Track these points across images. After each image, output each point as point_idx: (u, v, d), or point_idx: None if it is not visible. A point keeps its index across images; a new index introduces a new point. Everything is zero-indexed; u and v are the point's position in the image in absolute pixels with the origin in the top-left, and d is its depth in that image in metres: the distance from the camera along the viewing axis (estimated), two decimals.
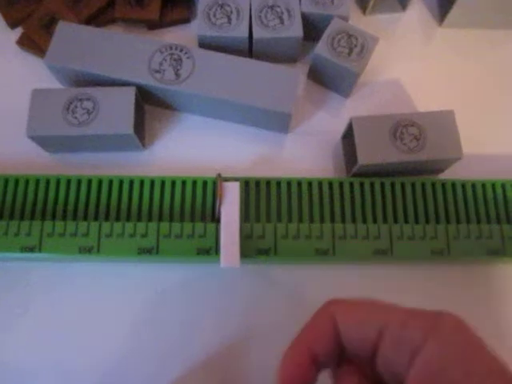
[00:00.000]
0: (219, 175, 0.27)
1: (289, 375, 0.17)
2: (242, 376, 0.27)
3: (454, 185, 0.29)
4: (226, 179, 0.28)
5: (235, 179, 0.28)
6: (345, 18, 0.31)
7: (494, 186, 0.29)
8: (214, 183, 0.28)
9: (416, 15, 0.36)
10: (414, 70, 0.34)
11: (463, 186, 0.29)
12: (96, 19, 0.34)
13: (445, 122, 0.29)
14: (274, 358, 0.17)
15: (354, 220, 0.28)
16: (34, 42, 0.33)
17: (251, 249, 0.26)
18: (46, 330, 0.27)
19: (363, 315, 0.17)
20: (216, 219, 0.27)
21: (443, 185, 0.29)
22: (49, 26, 0.33)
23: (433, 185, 0.29)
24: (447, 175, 0.31)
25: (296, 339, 0.17)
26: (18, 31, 0.34)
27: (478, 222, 0.28)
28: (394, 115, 0.29)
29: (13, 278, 0.28)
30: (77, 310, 0.28)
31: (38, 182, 0.28)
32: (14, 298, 0.28)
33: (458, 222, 0.28)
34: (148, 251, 0.26)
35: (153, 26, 0.35)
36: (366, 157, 0.28)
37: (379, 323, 0.16)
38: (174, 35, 0.35)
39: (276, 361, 0.17)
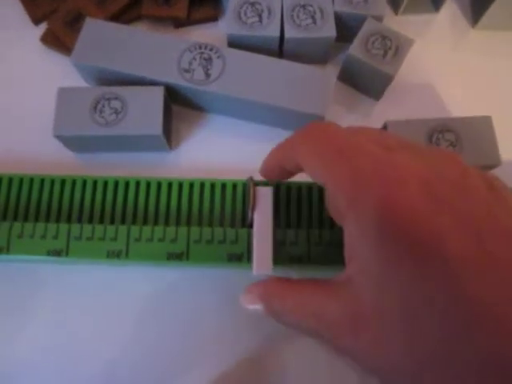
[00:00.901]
0: (251, 178, 0.26)
1: (266, 171, 0.24)
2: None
3: None
4: (257, 183, 0.27)
5: (265, 183, 0.28)
6: (379, 19, 0.31)
7: None
8: (244, 186, 0.28)
9: (449, 16, 0.35)
10: (446, 72, 0.33)
11: None
12: (122, 16, 0.33)
13: (482, 127, 0.28)
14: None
15: None
16: (59, 39, 0.32)
17: (283, 256, 0.25)
18: (50, 329, 0.27)
19: (315, 164, 0.18)
20: (248, 224, 0.26)
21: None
22: (74, 22, 0.32)
23: None
24: None
25: (270, 154, 0.23)
26: (42, 27, 0.33)
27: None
28: (430, 120, 0.28)
29: (18, 277, 0.28)
30: (84, 309, 0.27)
31: (63, 182, 0.28)
32: (20, 297, 0.27)
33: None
34: (178, 257, 0.25)
35: (179, 24, 0.34)
36: None
37: (322, 179, 0.18)
38: (200, 34, 0.34)
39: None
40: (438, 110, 0.32)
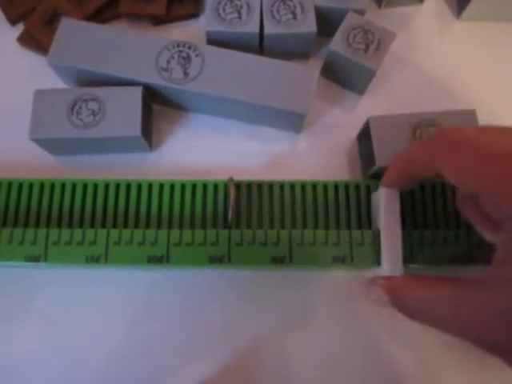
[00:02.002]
0: (231, 179, 0.26)
1: (390, 181, 0.24)
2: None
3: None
4: (238, 183, 0.27)
5: (247, 182, 0.27)
6: (361, 12, 0.30)
7: None
8: (225, 187, 0.27)
9: (433, 8, 0.35)
10: (431, 65, 0.33)
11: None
12: (100, 15, 0.33)
13: (466, 121, 0.27)
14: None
15: (370, 226, 0.27)
16: (36, 40, 0.32)
17: (265, 256, 0.25)
18: (41, 334, 0.27)
19: (463, 172, 0.18)
20: (228, 225, 0.25)
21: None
22: (51, 22, 0.32)
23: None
24: None
25: (396, 160, 0.23)
26: (19, 28, 0.33)
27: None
28: (414, 114, 0.27)
29: (15, 279, 0.28)
30: (79, 312, 0.27)
31: (42, 186, 0.27)
32: (17, 299, 0.27)
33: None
34: (158, 260, 0.25)
35: (159, 21, 0.33)
36: (384, 158, 0.26)
37: (474, 187, 0.18)
38: (180, 31, 0.34)
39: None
40: (423, 103, 0.32)
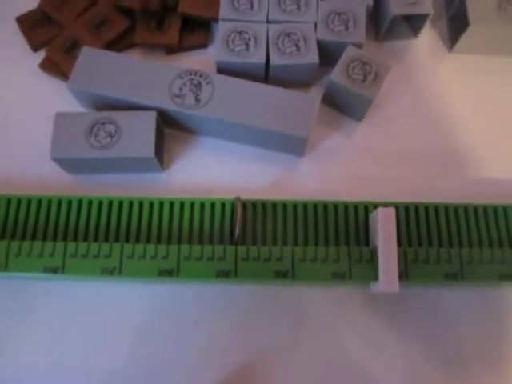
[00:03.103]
0: (238, 198, 0.28)
1: None
2: None
3: (465, 209, 0.30)
4: (244, 202, 0.29)
5: (252, 201, 0.29)
6: (359, 46, 0.32)
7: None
8: (232, 205, 0.29)
9: (427, 41, 0.37)
10: (425, 95, 0.35)
11: (475, 210, 0.30)
12: (117, 44, 0.35)
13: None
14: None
15: (367, 243, 0.29)
16: (57, 66, 0.34)
17: (269, 271, 0.26)
18: (46, 345, 0.28)
19: None
20: (235, 242, 0.27)
21: (455, 209, 0.30)
22: (71, 49, 0.34)
23: (446, 208, 0.30)
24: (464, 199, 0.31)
25: None
26: (41, 54, 0.35)
27: (491, 246, 0.29)
28: None
29: (14, 293, 0.29)
30: (81, 323, 0.28)
31: (60, 202, 0.29)
32: (18, 308, 0.28)
33: (471, 245, 0.29)
34: (169, 273, 0.26)
35: (171, 50, 0.36)
36: None
37: None
38: (191, 60, 0.36)
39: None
40: (421, 130, 0.34)
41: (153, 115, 0.30)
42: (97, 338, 0.28)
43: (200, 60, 0.36)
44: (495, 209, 0.30)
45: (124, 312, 0.29)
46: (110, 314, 0.28)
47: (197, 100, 0.30)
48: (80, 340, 0.28)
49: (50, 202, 0.29)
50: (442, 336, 0.28)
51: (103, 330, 0.28)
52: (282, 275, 0.26)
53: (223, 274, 0.26)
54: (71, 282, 0.29)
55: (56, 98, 0.34)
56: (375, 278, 0.26)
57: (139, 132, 0.29)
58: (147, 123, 0.29)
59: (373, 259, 0.27)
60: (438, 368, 0.28)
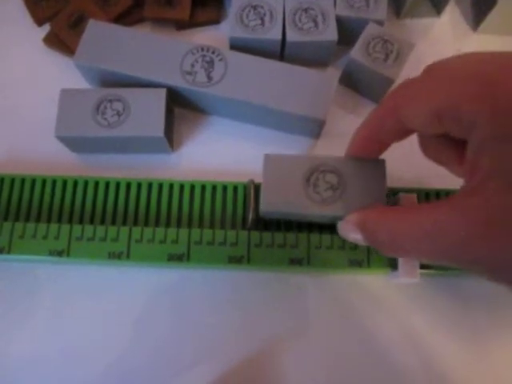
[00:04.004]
0: (252, 181, 0.27)
1: (355, 148, 0.23)
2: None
3: None
4: (257, 185, 0.28)
5: None
6: (380, 23, 0.31)
7: None
8: (245, 189, 0.28)
9: (450, 20, 0.35)
10: None
11: None
12: (124, 18, 0.33)
13: (372, 171, 0.24)
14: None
15: None
16: (62, 41, 0.32)
17: (283, 258, 0.25)
18: (50, 329, 0.27)
19: (422, 106, 0.18)
20: (248, 227, 0.26)
21: None
22: (77, 24, 0.32)
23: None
24: None
25: (362, 124, 0.22)
26: (45, 28, 0.34)
27: None
28: (310, 158, 0.25)
29: (17, 277, 0.28)
30: (84, 309, 0.27)
31: (65, 183, 0.28)
32: (18, 297, 0.27)
33: None
34: (179, 258, 0.25)
35: (181, 26, 0.34)
36: None
37: (437, 112, 0.17)
38: (202, 36, 0.34)
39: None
40: None
41: (163, 93, 0.28)
42: (100, 323, 0.27)
43: (212, 36, 0.34)
44: None
45: (128, 297, 0.27)
46: (114, 299, 0.27)
47: (209, 77, 0.29)
48: (83, 325, 0.27)
49: (54, 183, 0.28)
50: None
51: (106, 315, 0.27)
52: (297, 262, 0.25)
53: (235, 260, 0.25)
54: (74, 266, 0.28)
55: (61, 74, 0.32)
56: (394, 266, 0.25)
57: (148, 110, 0.28)
58: (157, 101, 0.28)
59: None
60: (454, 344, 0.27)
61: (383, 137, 0.21)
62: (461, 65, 0.18)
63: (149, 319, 0.27)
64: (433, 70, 0.19)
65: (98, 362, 0.26)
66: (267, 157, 0.25)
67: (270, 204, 0.24)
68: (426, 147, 0.22)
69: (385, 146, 0.23)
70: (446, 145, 0.20)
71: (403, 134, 0.21)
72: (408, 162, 0.31)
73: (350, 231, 0.21)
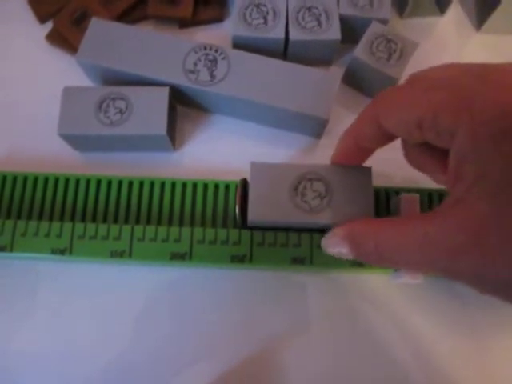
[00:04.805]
0: (244, 180, 0.26)
1: (339, 155, 0.23)
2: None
3: None
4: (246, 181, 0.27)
5: None
6: (384, 22, 0.31)
7: None
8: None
9: (454, 20, 0.35)
10: None
11: None
12: (127, 16, 0.33)
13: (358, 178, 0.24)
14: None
15: None
16: (64, 38, 0.32)
17: (286, 257, 0.25)
18: (51, 326, 0.27)
19: (403, 115, 0.18)
20: (238, 225, 0.26)
21: None
22: (80, 21, 0.32)
23: None
24: None
25: (345, 132, 0.22)
26: (48, 26, 0.33)
27: None
28: (298, 166, 0.25)
29: (19, 275, 0.28)
30: (85, 307, 0.27)
31: (67, 181, 0.28)
32: (22, 293, 0.27)
33: None
34: (181, 257, 0.25)
35: (184, 24, 0.34)
36: None
37: (417, 121, 0.17)
38: (205, 34, 0.34)
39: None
40: None
41: (166, 91, 0.28)
42: (100, 321, 0.27)
43: (215, 35, 0.34)
44: None
45: (129, 295, 0.27)
46: (114, 297, 0.27)
47: (212, 76, 0.29)
48: (83, 323, 0.27)
49: (57, 181, 0.28)
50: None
51: (107, 313, 0.27)
52: (299, 262, 0.25)
53: (238, 259, 0.25)
54: (75, 264, 0.28)
55: (64, 72, 0.32)
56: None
57: (151, 109, 0.28)
58: (160, 99, 0.28)
59: None
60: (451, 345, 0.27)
61: (366, 144, 0.21)
62: (442, 75, 0.18)
63: (150, 317, 0.27)
64: (415, 80, 0.19)
65: (98, 360, 0.26)
66: (254, 165, 0.24)
67: (257, 214, 0.24)
68: (410, 155, 0.22)
69: (368, 152, 0.23)
70: (429, 153, 0.20)
71: (386, 140, 0.20)
72: None
73: (336, 244, 0.21)
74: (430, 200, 0.28)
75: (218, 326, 0.27)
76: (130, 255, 0.25)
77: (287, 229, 0.26)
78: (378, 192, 0.28)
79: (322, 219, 0.23)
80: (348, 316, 0.27)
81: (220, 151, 0.31)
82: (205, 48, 0.29)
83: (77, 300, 0.27)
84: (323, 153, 0.31)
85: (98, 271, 0.28)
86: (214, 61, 0.29)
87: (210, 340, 0.27)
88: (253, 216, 0.24)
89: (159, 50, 0.29)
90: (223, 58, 0.29)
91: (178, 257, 0.25)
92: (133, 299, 0.27)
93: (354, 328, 0.27)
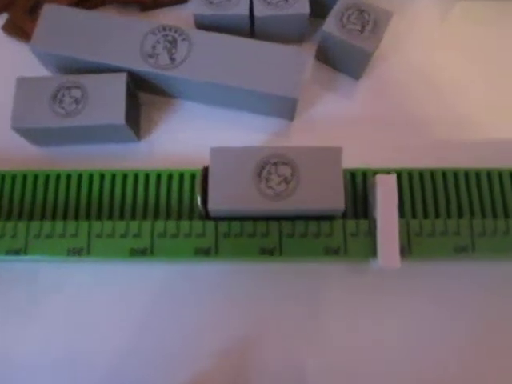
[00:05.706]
0: (204, 167, 0.24)
1: None
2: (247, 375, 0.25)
3: (477, 174, 0.26)
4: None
5: None
6: None
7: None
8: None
9: None
10: (430, 46, 0.31)
11: (489, 175, 0.26)
12: (86, 2, 0.32)
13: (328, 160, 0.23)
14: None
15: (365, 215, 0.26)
16: (20, 28, 0.31)
17: (253, 248, 0.24)
18: (55, 327, 0.26)
19: None
20: (203, 215, 0.24)
21: (466, 174, 0.26)
22: (35, 10, 0.31)
23: (455, 174, 0.26)
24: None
25: None
26: (4, 17, 0.32)
27: (506, 216, 0.25)
28: (260, 148, 0.23)
29: (20, 275, 0.27)
30: (84, 307, 0.26)
31: (25, 177, 0.26)
32: (22, 296, 0.26)
33: (484, 216, 0.26)
34: (142, 252, 0.24)
35: (146, 7, 0.32)
36: None
37: None
38: (169, 16, 0.32)
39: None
40: (421, 87, 0.30)
41: (123, 77, 0.26)
42: (100, 320, 0.26)
43: (178, 17, 0.32)
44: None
45: (129, 295, 0.26)
46: (114, 298, 0.26)
47: (171, 59, 0.27)
48: (83, 324, 0.26)
49: (14, 178, 0.26)
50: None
51: (106, 315, 0.26)
52: (268, 252, 0.24)
53: (202, 252, 0.24)
54: (74, 265, 0.26)
55: (21, 62, 0.31)
56: (373, 253, 0.23)
57: (108, 97, 0.26)
58: (117, 86, 0.26)
59: (371, 232, 0.24)
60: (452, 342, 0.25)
61: None
62: None
63: (150, 317, 0.26)
64: None
65: (99, 361, 0.25)
66: (213, 150, 0.23)
67: (218, 202, 0.22)
68: None
69: None
70: None
71: None
72: (392, 141, 0.29)
73: None
74: (411, 180, 0.26)
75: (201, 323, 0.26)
76: (89, 253, 0.24)
77: (255, 218, 0.24)
78: (354, 174, 0.26)
79: (289, 206, 0.22)
80: (323, 306, 0.26)
81: (188, 139, 0.29)
82: (164, 29, 0.27)
83: (72, 302, 0.26)
84: (296, 135, 0.29)
85: (98, 271, 0.26)
86: (174, 42, 0.27)
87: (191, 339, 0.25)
88: (213, 205, 0.22)
89: (116, 35, 0.27)
90: (183, 39, 0.27)
91: (138, 252, 0.23)
92: (133, 299, 0.26)
93: (341, 321, 0.26)
